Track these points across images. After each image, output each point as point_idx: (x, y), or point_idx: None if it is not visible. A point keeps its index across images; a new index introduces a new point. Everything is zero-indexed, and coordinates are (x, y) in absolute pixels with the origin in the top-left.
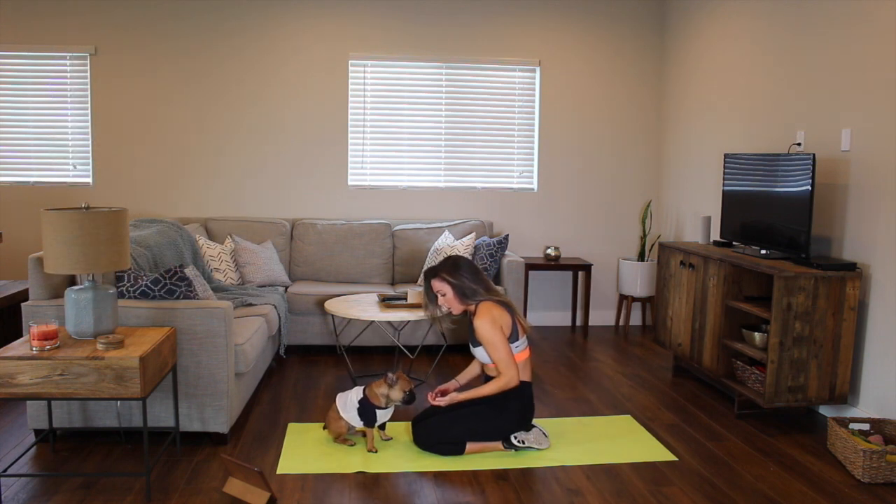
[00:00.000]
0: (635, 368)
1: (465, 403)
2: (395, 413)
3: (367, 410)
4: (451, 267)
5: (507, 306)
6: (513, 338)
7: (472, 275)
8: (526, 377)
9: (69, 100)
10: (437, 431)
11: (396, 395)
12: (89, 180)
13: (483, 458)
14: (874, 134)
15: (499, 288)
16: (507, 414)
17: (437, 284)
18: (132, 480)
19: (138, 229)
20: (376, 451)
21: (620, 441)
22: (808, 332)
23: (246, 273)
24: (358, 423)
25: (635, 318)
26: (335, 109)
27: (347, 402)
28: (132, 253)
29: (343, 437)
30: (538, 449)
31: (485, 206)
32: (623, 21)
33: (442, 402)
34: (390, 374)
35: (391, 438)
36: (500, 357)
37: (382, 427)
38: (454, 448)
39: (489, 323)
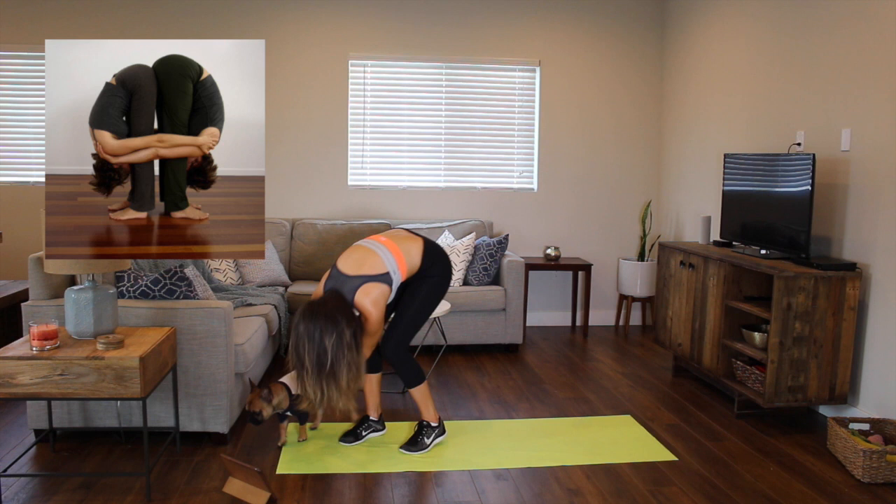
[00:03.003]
0: (635, 368)
1: (394, 317)
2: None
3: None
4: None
5: (370, 277)
6: (393, 280)
7: (315, 340)
8: (415, 251)
9: None
10: (400, 338)
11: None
12: None
13: (483, 458)
14: (874, 134)
15: (497, 288)
16: (429, 288)
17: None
18: (132, 480)
19: None
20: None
21: (620, 441)
22: (808, 332)
23: (246, 273)
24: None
25: (635, 318)
26: (335, 109)
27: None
28: None
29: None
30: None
31: (485, 206)
32: (623, 21)
33: None
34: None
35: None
36: (370, 329)
37: (303, 421)
38: (416, 374)
39: (378, 315)
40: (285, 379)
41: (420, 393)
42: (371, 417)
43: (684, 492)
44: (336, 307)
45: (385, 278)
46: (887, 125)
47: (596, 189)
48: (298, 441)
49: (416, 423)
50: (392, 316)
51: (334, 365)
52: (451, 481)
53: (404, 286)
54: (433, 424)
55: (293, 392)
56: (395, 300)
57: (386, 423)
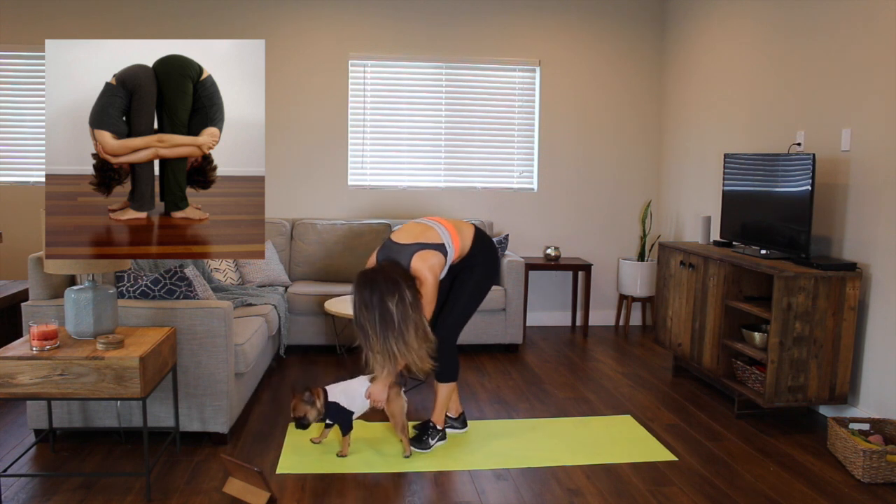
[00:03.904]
0: (635, 368)
1: (448, 302)
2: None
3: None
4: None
5: (427, 245)
6: (448, 253)
7: (377, 301)
8: (467, 233)
9: None
10: (452, 327)
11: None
12: None
13: (483, 458)
14: (874, 134)
15: (497, 288)
16: (480, 274)
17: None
18: (132, 480)
19: None
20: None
21: (620, 441)
22: (808, 332)
23: (246, 273)
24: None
25: (635, 318)
26: (335, 109)
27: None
28: None
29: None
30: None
31: (485, 206)
32: (623, 21)
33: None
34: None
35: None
36: (426, 300)
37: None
38: (454, 371)
39: (434, 280)
40: (329, 387)
41: (446, 391)
42: (449, 415)
43: (684, 492)
44: (394, 271)
45: (441, 248)
46: (887, 125)
47: (596, 189)
48: (338, 455)
49: (422, 422)
50: (443, 308)
51: (401, 325)
52: (451, 481)
53: (453, 276)
54: (438, 427)
55: (330, 398)
56: (444, 291)
57: (387, 423)
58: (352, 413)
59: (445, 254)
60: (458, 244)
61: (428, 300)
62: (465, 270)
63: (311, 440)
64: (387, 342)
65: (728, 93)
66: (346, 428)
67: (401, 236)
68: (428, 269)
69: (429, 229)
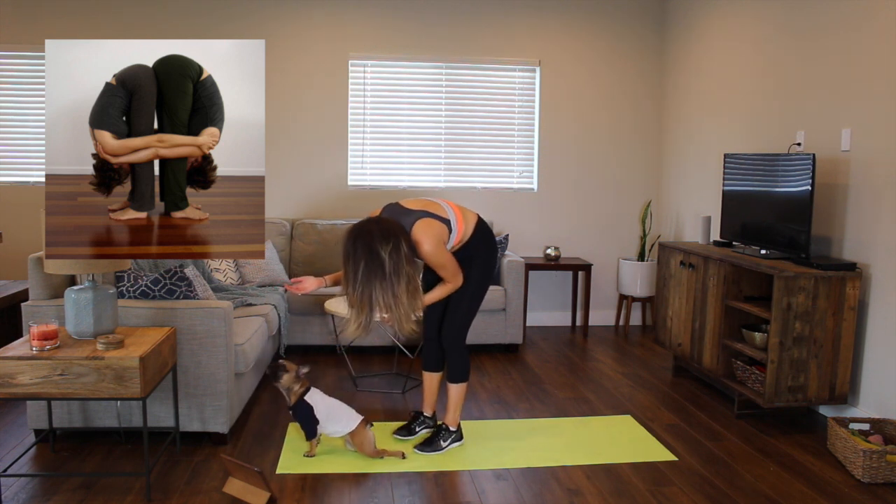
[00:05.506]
0: (635, 368)
1: (451, 303)
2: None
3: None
4: (353, 268)
5: (433, 215)
6: (452, 231)
7: (369, 247)
8: (471, 220)
9: None
10: (460, 326)
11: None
12: None
13: (483, 458)
14: (874, 134)
15: (497, 288)
16: (480, 268)
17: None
18: (132, 480)
19: None
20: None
21: (620, 441)
22: (808, 332)
23: (246, 273)
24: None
25: (635, 318)
26: (335, 109)
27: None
28: None
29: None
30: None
31: (485, 206)
32: (623, 21)
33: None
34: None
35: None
36: (449, 273)
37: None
38: (465, 370)
39: (434, 247)
40: (316, 391)
41: (458, 392)
42: (425, 414)
43: (684, 492)
44: (393, 225)
45: (447, 223)
46: (887, 125)
47: (596, 189)
48: (305, 455)
49: (436, 426)
50: (447, 309)
51: (392, 275)
52: (451, 481)
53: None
54: (451, 429)
55: (301, 377)
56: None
57: (387, 423)
58: (317, 422)
59: (450, 229)
60: (461, 227)
61: (442, 262)
62: (464, 264)
63: (304, 454)
64: (373, 293)
65: (728, 93)
66: (307, 433)
67: (408, 203)
68: (431, 236)
69: (435, 204)
